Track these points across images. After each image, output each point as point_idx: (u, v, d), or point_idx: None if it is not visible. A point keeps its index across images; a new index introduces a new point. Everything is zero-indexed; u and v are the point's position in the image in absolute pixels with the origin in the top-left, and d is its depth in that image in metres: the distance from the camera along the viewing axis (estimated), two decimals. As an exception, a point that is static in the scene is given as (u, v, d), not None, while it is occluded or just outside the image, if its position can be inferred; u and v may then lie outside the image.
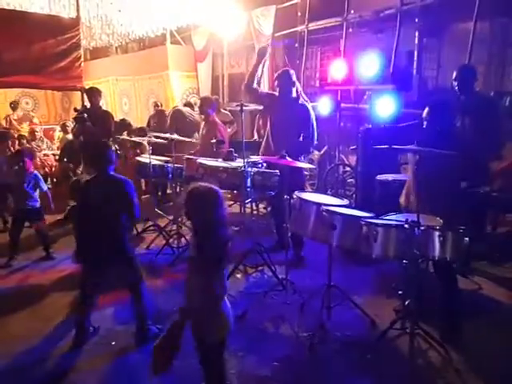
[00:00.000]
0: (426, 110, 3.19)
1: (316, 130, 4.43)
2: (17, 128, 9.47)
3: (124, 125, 7.12)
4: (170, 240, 4.71)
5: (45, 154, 7.79)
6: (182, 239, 4.74)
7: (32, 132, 8.56)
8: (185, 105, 7.56)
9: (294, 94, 4.42)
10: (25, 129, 9.44)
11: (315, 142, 4.50)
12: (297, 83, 4.47)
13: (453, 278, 3.16)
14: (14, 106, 10.26)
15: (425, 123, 3.19)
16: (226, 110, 7.53)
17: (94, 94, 5.75)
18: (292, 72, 4.49)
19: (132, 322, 3.30)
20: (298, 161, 4.32)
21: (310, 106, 4.50)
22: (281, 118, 4.42)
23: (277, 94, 4.55)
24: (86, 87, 7.00)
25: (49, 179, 7.30)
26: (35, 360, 2.88)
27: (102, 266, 2.98)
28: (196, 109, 7.06)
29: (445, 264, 3.01)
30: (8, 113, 9.75)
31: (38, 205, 4.66)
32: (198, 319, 2.06)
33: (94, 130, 5.46)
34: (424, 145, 2.82)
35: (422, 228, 2.62)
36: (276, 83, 4.50)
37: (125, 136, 6.60)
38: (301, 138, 4.35)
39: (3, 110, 13.46)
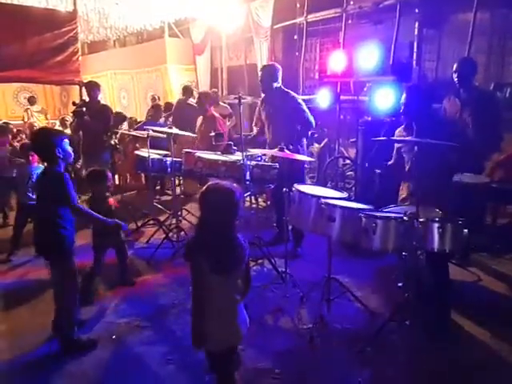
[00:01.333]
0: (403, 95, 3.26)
1: (309, 114, 4.47)
2: (38, 120, 9.70)
3: (120, 118, 7.10)
4: (170, 234, 4.71)
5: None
6: (182, 233, 4.73)
7: (31, 127, 8.55)
8: (184, 90, 7.52)
9: (277, 86, 4.49)
10: (42, 122, 9.70)
11: (313, 125, 4.53)
12: (279, 77, 4.52)
13: (444, 266, 3.14)
14: (32, 100, 10.55)
15: (402, 107, 3.26)
16: (224, 102, 7.51)
17: (92, 87, 5.71)
18: (276, 67, 4.54)
19: (134, 316, 3.32)
20: (300, 147, 4.42)
21: (293, 93, 4.56)
22: (271, 111, 4.55)
23: (261, 94, 4.69)
24: (84, 81, 6.97)
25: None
26: (35, 355, 2.89)
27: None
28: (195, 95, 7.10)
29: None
30: (13, 107, 9.90)
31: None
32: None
33: (93, 124, 5.43)
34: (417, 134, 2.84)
35: (421, 220, 2.61)
36: (259, 78, 4.59)
37: (123, 130, 6.58)
38: (299, 128, 4.42)
39: (2, 104, 13.46)
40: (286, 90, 4.53)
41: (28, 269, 4.27)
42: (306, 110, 4.45)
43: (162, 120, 7.17)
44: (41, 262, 4.39)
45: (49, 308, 2.96)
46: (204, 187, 2.01)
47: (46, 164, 2.92)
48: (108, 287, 3.82)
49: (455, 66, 3.97)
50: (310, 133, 4.68)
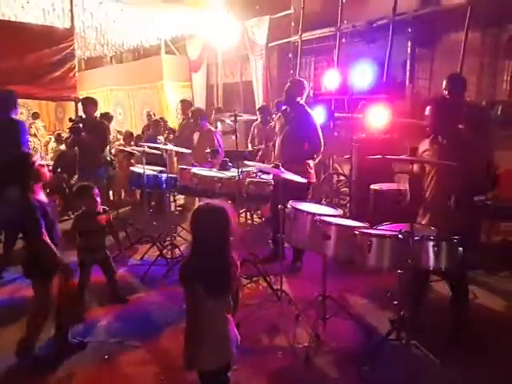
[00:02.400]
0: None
1: (321, 137, 4.45)
2: (44, 134, 9.87)
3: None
4: (164, 251, 4.67)
5: (38, 164, 7.76)
6: (176, 250, 4.70)
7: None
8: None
9: (300, 102, 4.49)
10: (45, 137, 10.28)
11: (321, 148, 4.52)
12: (304, 95, 4.53)
13: (465, 289, 3.17)
14: (36, 115, 10.73)
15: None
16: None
17: (89, 103, 5.74)
18: (304, 84, 4.55)
19: (127, 335, 3.27)
20: (309, 167, 4.43)
21: (312, 114, 4.54)
22: (287, 125, 4.52)
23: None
24: (81, 97, 6.98)
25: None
26: (24, 374, 2.83)
27: None
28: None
29: (458, 276, 3.05)
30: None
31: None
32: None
33: (90, 140, 5.44)
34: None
35: (416, 238, 2.61)
36: (285, 88, 4.57)
37: (119, 146, 6.58)
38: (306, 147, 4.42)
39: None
40: (308, 109, 4.51)
41: (18, 286, 4.20)
42: (320, 134, 4.43)
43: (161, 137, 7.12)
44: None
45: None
46: (194, 209, 1.98)
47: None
48: (100, 305, 3.76)
49: (445, 83, 4.03)
50: (315, 155, 4.68)
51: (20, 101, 13.06)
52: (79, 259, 3.62)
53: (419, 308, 3.24)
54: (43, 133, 10.63)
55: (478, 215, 3.31)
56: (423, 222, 3.18)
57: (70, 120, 5.86)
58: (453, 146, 3.08)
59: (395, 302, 3.09)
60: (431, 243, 2.61)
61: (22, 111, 12.62)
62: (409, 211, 3.13)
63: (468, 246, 2.83)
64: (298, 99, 4.46)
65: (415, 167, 3.33)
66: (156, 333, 3.34)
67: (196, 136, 6.19)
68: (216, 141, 5.98)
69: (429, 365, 2.82)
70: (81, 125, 5.51)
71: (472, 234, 3.24)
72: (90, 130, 5.48)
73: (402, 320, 2.89)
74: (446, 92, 4.03)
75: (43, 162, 7.73)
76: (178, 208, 5.93)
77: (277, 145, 4.62)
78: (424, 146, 3.29)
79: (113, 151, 7.00)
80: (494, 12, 5.43)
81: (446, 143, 3.12)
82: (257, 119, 7.06)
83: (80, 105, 6.17)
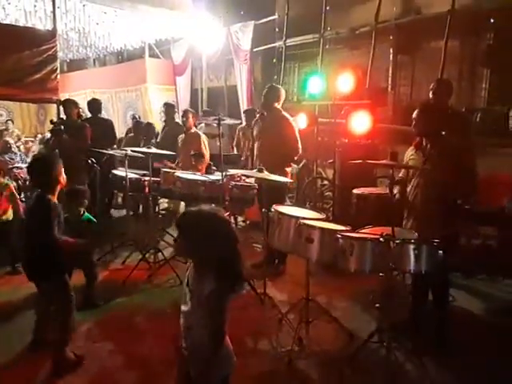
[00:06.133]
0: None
1: (299, 141, 4.56)
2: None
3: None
4: (147, 255, 4.63)
5: (18, 167, 7.60)
6: (159, 254, 4.66)
7: (4, 144, 8.38)
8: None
9: (277, 107, 4.60)
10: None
11: (299, 152, 4.61)
12: (281, 100, 4.64)
13: (446, 292, 3.24)
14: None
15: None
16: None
17: (70, 105, 5.67)
18: (281, 90, 4.68)
19: (106, 341, 3.22)
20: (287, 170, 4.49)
21: (290, 119, 4.63)
22: (265, 131, 4.64)
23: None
24: (62, 99, 6.89)
25: (22, 193, 7.11)
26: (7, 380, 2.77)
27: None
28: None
29: (441, 279, 3.11)
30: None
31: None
32: (198, 357, 1.82)
33: (71, 142, 5.36)
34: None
35: (397, 241, 2.65)
36: (263, 94, 4.68)
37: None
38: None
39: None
40: (285, 114, 4.62)
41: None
42: (298, 139, 4.55)
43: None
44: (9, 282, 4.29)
45: (19, 329, 2.84)
46: (186, 220, 1.85)
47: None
48: (80, 310, 3.70)
49: (432, 85, 4.10)
50: (295, 158, 4.75)
51: (0, 102, 12.87)
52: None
53: (418, 311, 3.31)
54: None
55: (458, 219, 3.37)
56: (408, 225, 3.24)
57: (51, 122, 5.78)
58: (438, 151, 3.14)
59: (377, 305, 3.13)
60: (412, 246, 2.66)
61: (2, 113, 12.41)
62: (396, 214, 3.19)
63: (449, 250, 2.91)
64: (276, 104, 4.56)
65: (402, 172, 3.39)
66: (137, 338, 3.30)
67: (180, 139, 6.15)
68: (202, 145, 5.96)
69: (410, 367, 2.86)
70: (62, 127, 5.44)
71: (454, 238, 3.31)
72: (72, 132, 5.41)
73: (383, 323, 2.93)
74: (432, 95, 4.10)
75: (22, 165, 7.64)
76: (161, 211, 5.89)
77: (256, 149, 4.69)
78: (410, 150, 3.35)
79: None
80: (473, 22, 5.57)
81: (432, 148, 3.18)
82: (241, 123, 7.09)
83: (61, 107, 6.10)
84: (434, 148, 3.16)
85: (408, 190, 3.30)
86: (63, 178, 2.92)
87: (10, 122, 10.90)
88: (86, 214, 3.86)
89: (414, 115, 3.24)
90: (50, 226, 2.73)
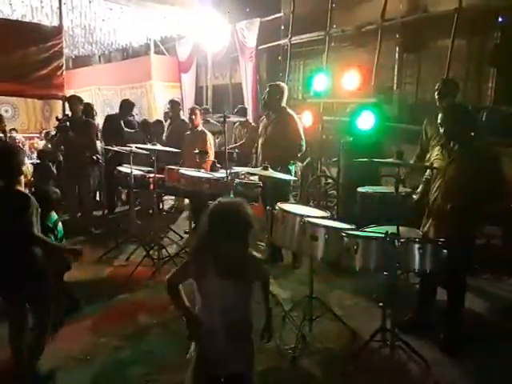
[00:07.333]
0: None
1: (304, 139, 4.59)
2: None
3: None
4: (151, 251, 4.64)
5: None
6: (163, 250, 4.67)
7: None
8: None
9: (283, 105, 4.62)
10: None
11: (303, 150, 4.64)
12: (285, 98, 4.66)
13: (461, 290, 3.23)
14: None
15: None
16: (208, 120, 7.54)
17: (75, 101, 5.69)
18: (284, 87, 4.68)
19: (111, 336, 3.23)
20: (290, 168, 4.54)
21: (295, 116, 4.66)
22: (271, 129, 4.67)
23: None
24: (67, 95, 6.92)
25: (27, 189, 7.15)
26: None
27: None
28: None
29: (455, 276, 3.11)
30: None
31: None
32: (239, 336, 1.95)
33: (77, 139, 5.39)
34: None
35: (402, 240, 2.65)
36: (265, 94, 4.72)
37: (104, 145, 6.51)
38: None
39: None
40: (290, 111, 4.64)
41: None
42: (302, 136, 4.58)
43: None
44: None
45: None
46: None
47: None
48: (86, 305, 3.72)
49: (437, 85, 4.08)
50: (298, 155, 4.77)
51: (5, 98, 12.92)
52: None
53: (423, 310, 3.31)
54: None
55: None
56: (426, 225, 3.24)
57: (57, 119, 5.80)
58: (465, 153, 3.09)
59: (381, 304, 3.13)
60: (417, 245, 2.65)
61: (8, 109, 12.45)
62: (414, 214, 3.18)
63: (466, 252, 2.90)
64: (280, 102, 4.59)
65: (428, 172, 3.36)
66: (142, 334, 3.32)
67: (186, 136, 6.14)
68: (208, 143, 5.95)
69: (413, 366, 2.85)
70: (68, 123, 5.46)
71: (470, 240, 3.27)
72: (77, 129, 5.44)
73: (387, 322, 2.93)
74: (437, 95, 4.08)
75: (27, 161, 7.68)
76: (166, 210, 5.87)
77: (260, 146, 4.72)
78: (436, 150, 3.31)
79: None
80: (480, 20, 5.54)
81: (459, 149, 3.13)
82: (246, 120, 7.13)
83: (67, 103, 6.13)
84: (461, 149, 3.12)
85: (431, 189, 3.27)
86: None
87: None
88: (54, 219, 3.34)
89: (439, 120, 3.19)
90: (28, 221, 2.39)
